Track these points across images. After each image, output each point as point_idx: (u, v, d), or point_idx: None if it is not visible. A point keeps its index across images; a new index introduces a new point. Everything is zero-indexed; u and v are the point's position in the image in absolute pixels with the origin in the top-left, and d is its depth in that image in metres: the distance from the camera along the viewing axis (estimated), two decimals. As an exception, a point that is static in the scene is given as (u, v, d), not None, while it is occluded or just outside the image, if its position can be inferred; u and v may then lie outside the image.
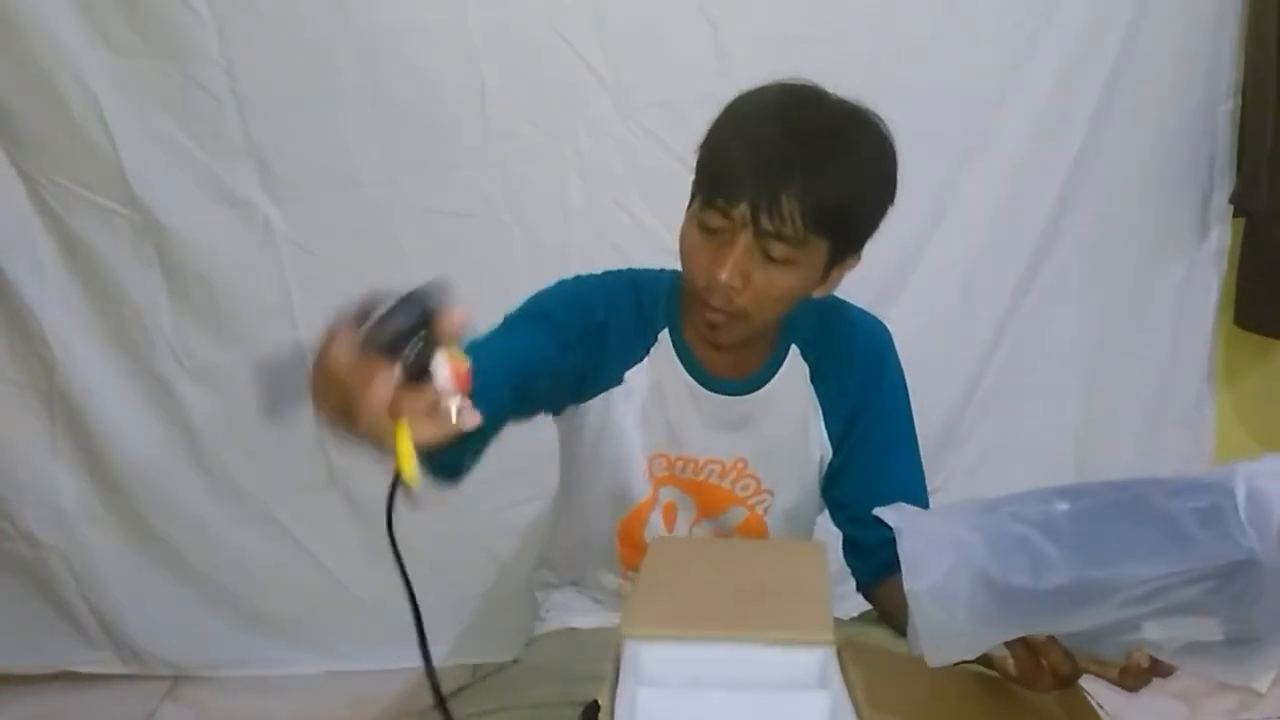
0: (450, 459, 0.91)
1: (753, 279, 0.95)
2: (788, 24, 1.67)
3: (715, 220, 0.94)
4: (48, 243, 1.63)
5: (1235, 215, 1.94)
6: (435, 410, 0.64)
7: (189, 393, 1.70)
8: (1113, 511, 0.72)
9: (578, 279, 1.09)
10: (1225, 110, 1.89)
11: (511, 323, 1.03)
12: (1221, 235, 1.96)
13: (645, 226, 1.70)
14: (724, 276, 0.93)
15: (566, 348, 1.02)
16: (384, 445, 0.64)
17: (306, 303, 1.68)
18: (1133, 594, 0.70)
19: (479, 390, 0.82)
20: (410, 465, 0.64)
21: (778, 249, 0.93)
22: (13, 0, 1.50)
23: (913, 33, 1.71)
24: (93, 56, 1.55)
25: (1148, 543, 0.70)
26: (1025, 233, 1.85)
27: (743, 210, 0.92)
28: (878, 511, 0.83)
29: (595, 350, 1.05)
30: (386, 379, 0.62)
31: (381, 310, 0.64)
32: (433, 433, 0.65)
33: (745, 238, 0.93)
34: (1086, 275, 1.91)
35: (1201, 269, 1.96)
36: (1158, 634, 0.72)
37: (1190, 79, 1.86)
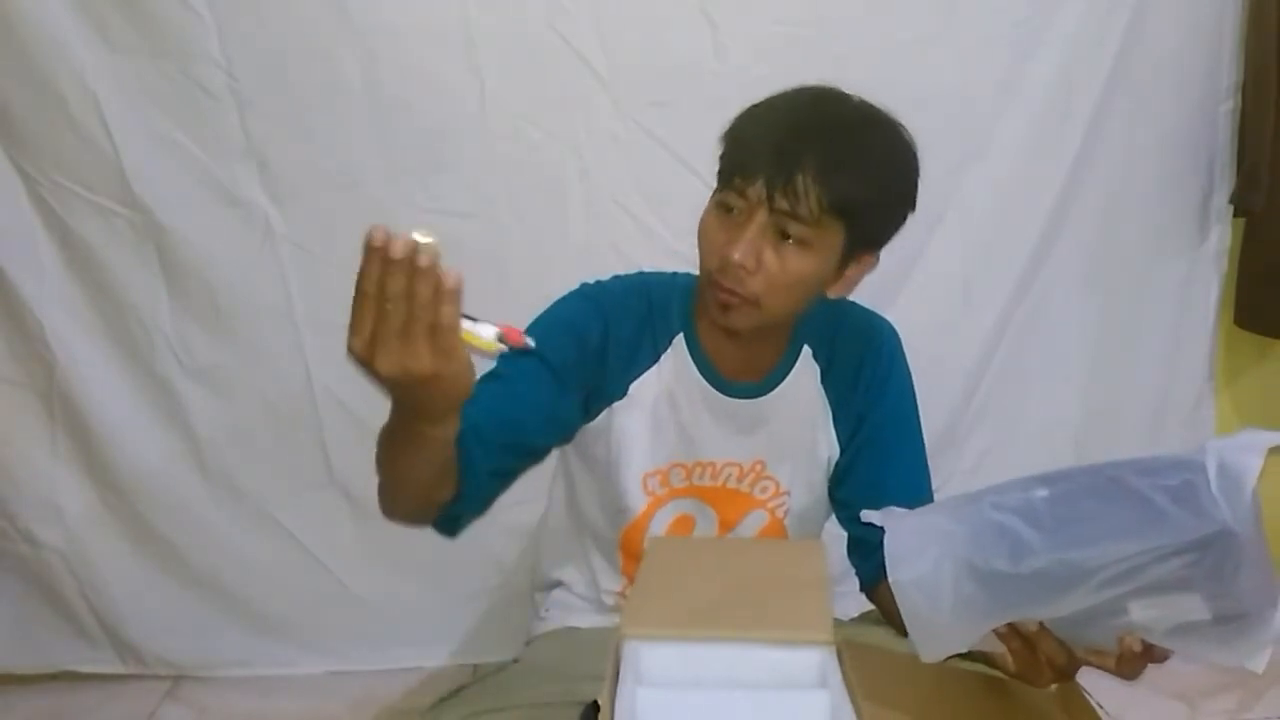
0: (452, 513, 0.93)
1: (765, 260, 0.95)
2: (788, 24, 1.67)
3: (732, 199, 0.95)
4: (48, 243, 1.63)
5: (1235, 215, 1.94)
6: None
7: (189, 393, 1.70)
8: (1088, 494, 0.73)
9: (584, 293, 1.08)
10: (1225, 110, 1.89)
11: (509, 374, 1.00)
12: (1221, 235, 1.96)
13: (645, 226, 1.69)
14: (737, 255, 0.94)
15: (565, 389, 1.02)
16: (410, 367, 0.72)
17: (306, 303, 1.68)
18: (1111, 574, 0.70)
19: (479, 454, 0.91)
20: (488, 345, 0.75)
21: (793, 228, 0.94)
22: (13, 0, 1.50)
23: (913, 33, 1.71)
24: (93, 56, 1.54)
25: (1122, 522, 0.70)
26: (1025, 233, 1.85)
27: (759, 188, 0.93)
28: (865, 516, 0.83)
29: (593, 374, 1.05)
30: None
31: None
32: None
33: (760, 217, 0.94)
34: (1086, 275, 1.91)
35: (1201, 269, 1.96)
36: (1145, 615, 0.73)
37: (1190, 79, 1.86)
